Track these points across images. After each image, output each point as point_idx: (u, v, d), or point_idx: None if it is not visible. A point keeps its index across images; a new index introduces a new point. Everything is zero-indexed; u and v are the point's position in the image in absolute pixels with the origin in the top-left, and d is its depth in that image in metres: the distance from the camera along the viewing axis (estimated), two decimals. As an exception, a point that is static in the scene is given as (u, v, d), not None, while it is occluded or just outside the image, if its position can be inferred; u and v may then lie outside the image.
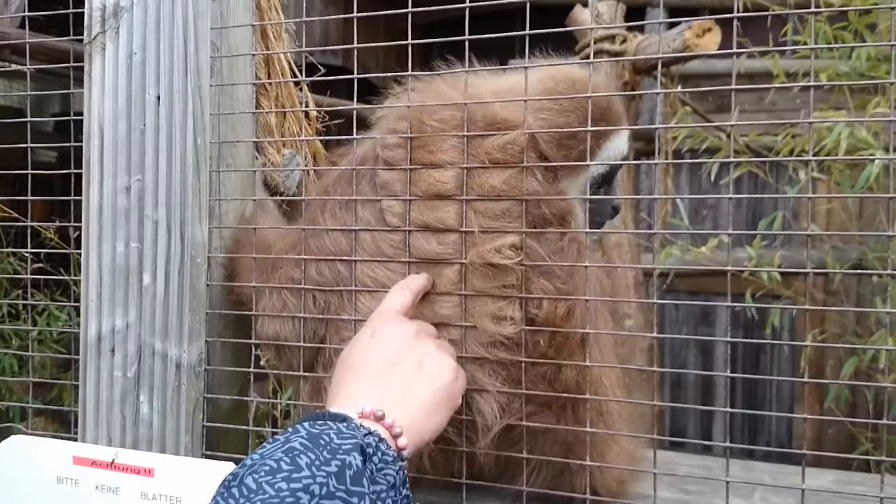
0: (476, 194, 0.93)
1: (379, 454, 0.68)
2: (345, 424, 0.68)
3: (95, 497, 1.00)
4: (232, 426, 1.06)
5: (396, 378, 0.79)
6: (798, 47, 0.76)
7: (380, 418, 0.73)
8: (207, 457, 1.04)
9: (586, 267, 0.91)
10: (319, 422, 0.68)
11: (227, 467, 0.94)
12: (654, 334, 0.91)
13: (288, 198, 1.15)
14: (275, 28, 1.19)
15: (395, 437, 0.73)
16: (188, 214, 1.03)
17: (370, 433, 0.69)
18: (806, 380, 0.88)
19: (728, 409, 0.83)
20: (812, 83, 0.82)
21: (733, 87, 0.86)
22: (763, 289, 2.43)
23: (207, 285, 1.04)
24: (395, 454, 0.70)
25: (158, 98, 1.05)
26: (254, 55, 1.08)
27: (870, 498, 0.88)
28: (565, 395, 0.92)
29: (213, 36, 1.05)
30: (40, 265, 2.41)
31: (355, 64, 1.02)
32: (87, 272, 1.08)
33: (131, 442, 1.05)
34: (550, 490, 0.95)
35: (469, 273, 0.92)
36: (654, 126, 0.92)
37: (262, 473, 0.61)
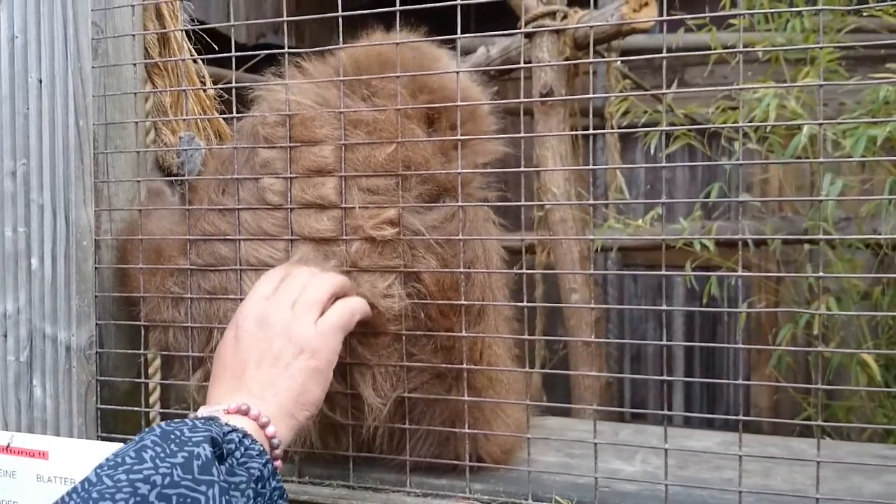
0: (361, 170, 0.94)
1: (242, 449, 0.69)
2: (201, 421, 0.70)
3: (-7, 481, 1.01)
4: (128, 408, 1.07)
5: (260, 373, 0.80)
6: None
7: (244, 412, 0.75)
8: (104, 439, 1.05)
9: (462, 240, 0.92)
10: (176, 421, 0.70)
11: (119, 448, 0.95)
12: (527, 303, 0.92)
13: (174, 178, 1.14)
14: (169, 7, 1.18)
15: (263, 426, 0.75)
16: (72, 197, 1.02)
17: (234, 430, 0.70)
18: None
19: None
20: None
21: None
22: (699, 259, 2.47)
23: (96, 268, 1.04)
24: (261, 448, 0.71)
25: (41, 81, 1.04)
26: (133, 36, 1.07)
27: (731, 456, 0.91)
28: (446, 365, 0.94)
29: (97, 17, 1.05)
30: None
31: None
32: (-23, 258, 1.07)
33: (26, 425, 1.06)
34: (435, 459, 0.97)
35: (358, 250, 0.93)
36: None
37: (106, 468, 0.63)
